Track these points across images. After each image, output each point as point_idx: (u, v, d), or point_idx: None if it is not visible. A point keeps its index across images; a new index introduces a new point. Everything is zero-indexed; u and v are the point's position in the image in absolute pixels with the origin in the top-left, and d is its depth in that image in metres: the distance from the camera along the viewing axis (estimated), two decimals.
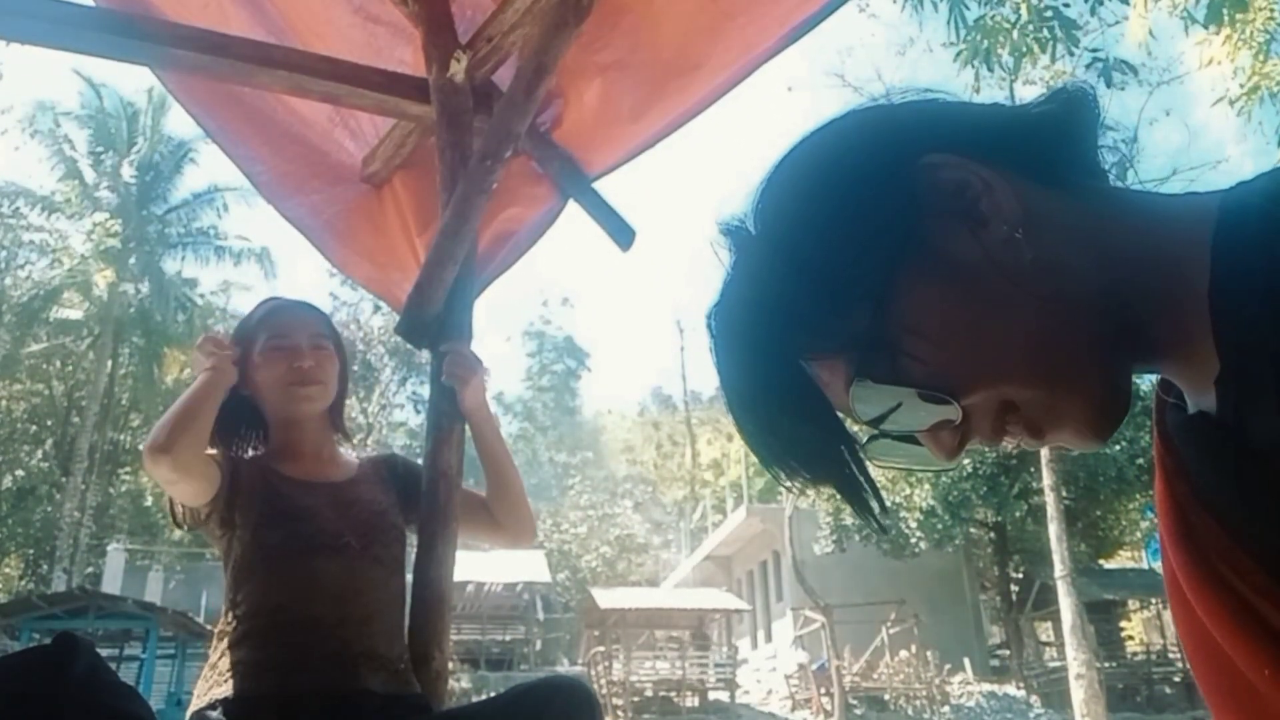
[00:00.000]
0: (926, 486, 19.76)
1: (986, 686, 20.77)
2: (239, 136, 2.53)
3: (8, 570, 25.75)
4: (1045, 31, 8.07)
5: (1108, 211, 0.59)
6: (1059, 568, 16.61)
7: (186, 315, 25.70)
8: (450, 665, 1.94)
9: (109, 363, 25.15)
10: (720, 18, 1.95)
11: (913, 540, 20.46)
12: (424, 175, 2.41)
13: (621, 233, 2.48)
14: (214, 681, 1.66)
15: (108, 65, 30.55)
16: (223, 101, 2.48)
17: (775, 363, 0.60)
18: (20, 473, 25.04)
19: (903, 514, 20.26)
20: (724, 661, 20.80)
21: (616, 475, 46.05)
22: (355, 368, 26.58)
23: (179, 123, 25.97)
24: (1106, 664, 18.26)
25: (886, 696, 19.56)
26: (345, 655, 1.67)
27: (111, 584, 22.66)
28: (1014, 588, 23.01)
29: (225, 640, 1.70)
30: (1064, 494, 17.18)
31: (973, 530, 21.81)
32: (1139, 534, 21.84)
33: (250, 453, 1.91)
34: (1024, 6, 8.11)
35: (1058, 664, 19.84)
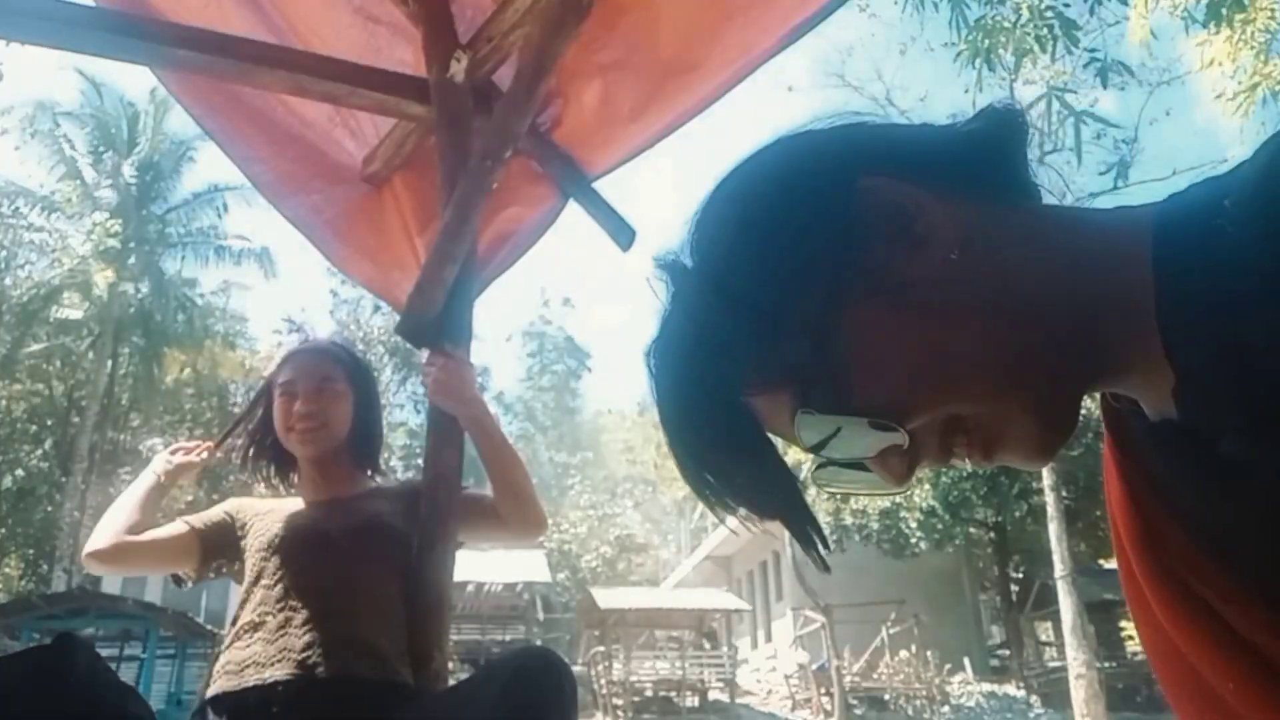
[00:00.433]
0: (926, 486, 19.76)
1: (986, 686, 20.77)
2: (239, 137, 2.53)
3: (8, 570, 25.73)
4: (1045, 31, 8.07)
5: (1043, 228, 0.58)
6: (1059, 568, 16.61)
7: (186, 315, 25.68)
8: (450, 665, 1.94)
9: (109, 363, 25.14)
10: (720, 18, 1.95)
11: (913, 540, 20.46)
12: (424, 175, 2.41)
13: (621, 232, 2.49)
14: (209, 683, 1.74)
15: (108, 65, 30.54)
16: (223, 102, 2.48)
17: (715, 401, 0.59)
18: (20, 473, 25.03)
19: (903, 514, 20.26)
20: (724, 661, 20.79)
21: (616, 475, 46.03)
22: None
23: (179, 122, 25.97)
24: (1106, 664, 18.25)
25: (886, 696, 19.55)
26: (328, 643, 1.71)
27: (111, 584, 22.62)
28: (1014, 588, 23.01)
29: (221, 645, 1.80)
30: (1064, 494, 17.17)
31: (973, 530, 21.82)
32: None
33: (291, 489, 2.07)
34: (1025, 7, 8.11)
35: (1058, 664, 19.84)
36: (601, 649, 20.11)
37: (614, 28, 2.10)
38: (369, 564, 1.83)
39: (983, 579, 24.42)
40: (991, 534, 22.48)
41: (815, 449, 0.58)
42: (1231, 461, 0.50)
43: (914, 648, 19.78)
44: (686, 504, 39.58)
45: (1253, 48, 7.98)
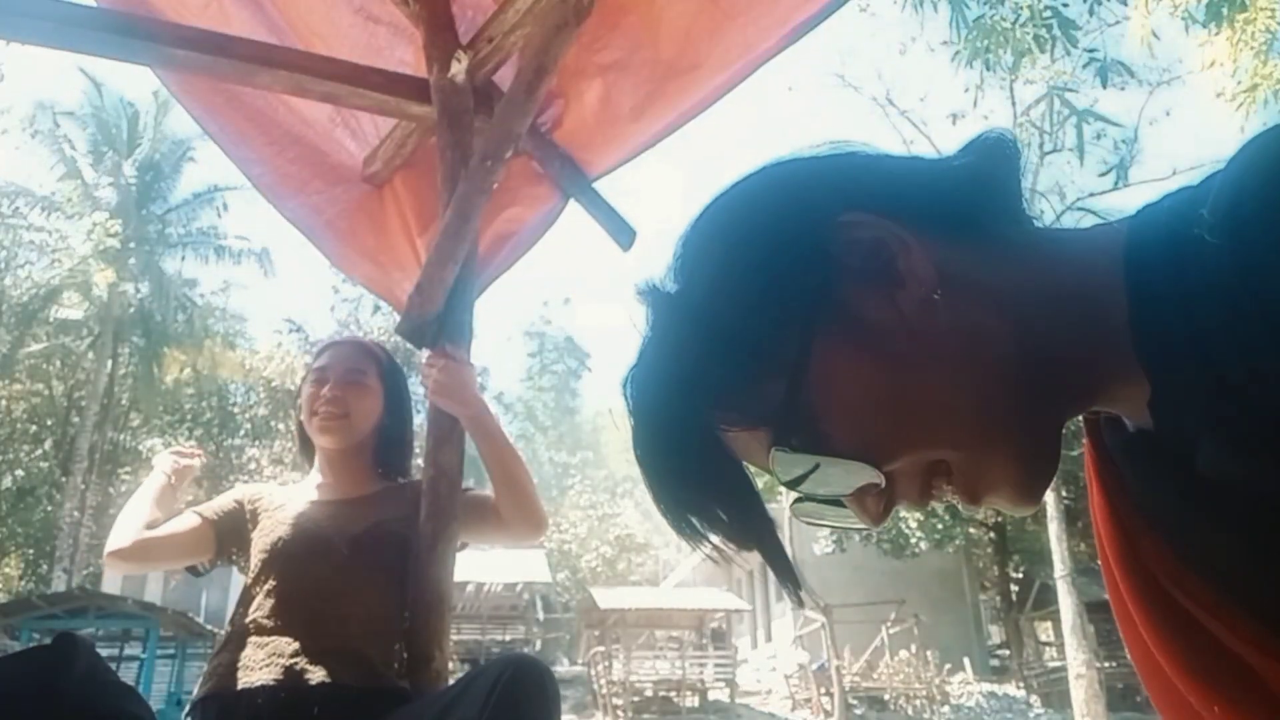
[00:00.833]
0: None
1: (986, 686, 20.78)
2: (240, 137, 2.53)
3: (8, 570, 25.74)
4: (1044, 31, 8.07)
5: (1028, 260, 0.57)
6: (1059, 567, 16.61)
7: (186, 315, 25.70)
8: (450, 665, 1.94)
9: (109, 363, 25.14)
10: (720, 18, 1.95)
11: (913, 540, 20.47)
12: (425, 175, 2.41)
13: (622, 232, 2.49)
14: (199, 685, 1.76)
15: (108, 64, 30.54)
16: (224, 102, 2.48)
17: (690, 432, 0.58)
18: (20, 473, 25.03)
19: (903, 514, 20.26)
20: (724, 661, 20.79)
21: (616, 475, 46.03)
22: None
23: (179, 122, 25.97)
24: (1106, 664, 18.24)
25: (886, 696, 19.56)
26: (315, 651, 1.71)
27: (111, 584, 22.62)
28: (1014, 587, 23.02)
29: (215, 647, 1.81)
30: (1064, 494, 17.18)
31: (973, 530, 21.82)
32: None
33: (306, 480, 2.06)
34: (1024, 6, 8.11)
35: (1058, 664, 19.84)
36: (601, 649, 20.11)
37: (614, 28, 2.10)
38: (367, 573, 1.83)
39: (983, 579, 24.43)
40: (991, 534, 22.48)
41: (791, 485, 0.58)
42: (1208, 474, 0.49)
43: (914, 648, 19.78)
44: None
45: (1253, 48, 7.98)
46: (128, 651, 17.04)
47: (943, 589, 22.82)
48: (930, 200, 0.58)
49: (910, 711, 19.26)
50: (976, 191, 0.59)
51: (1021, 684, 20.85)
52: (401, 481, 2.06)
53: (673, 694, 20.08)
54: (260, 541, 1.88)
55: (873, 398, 0.55)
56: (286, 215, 2.60)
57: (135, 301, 25.03)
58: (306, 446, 2.06)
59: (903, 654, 19.90)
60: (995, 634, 25.45)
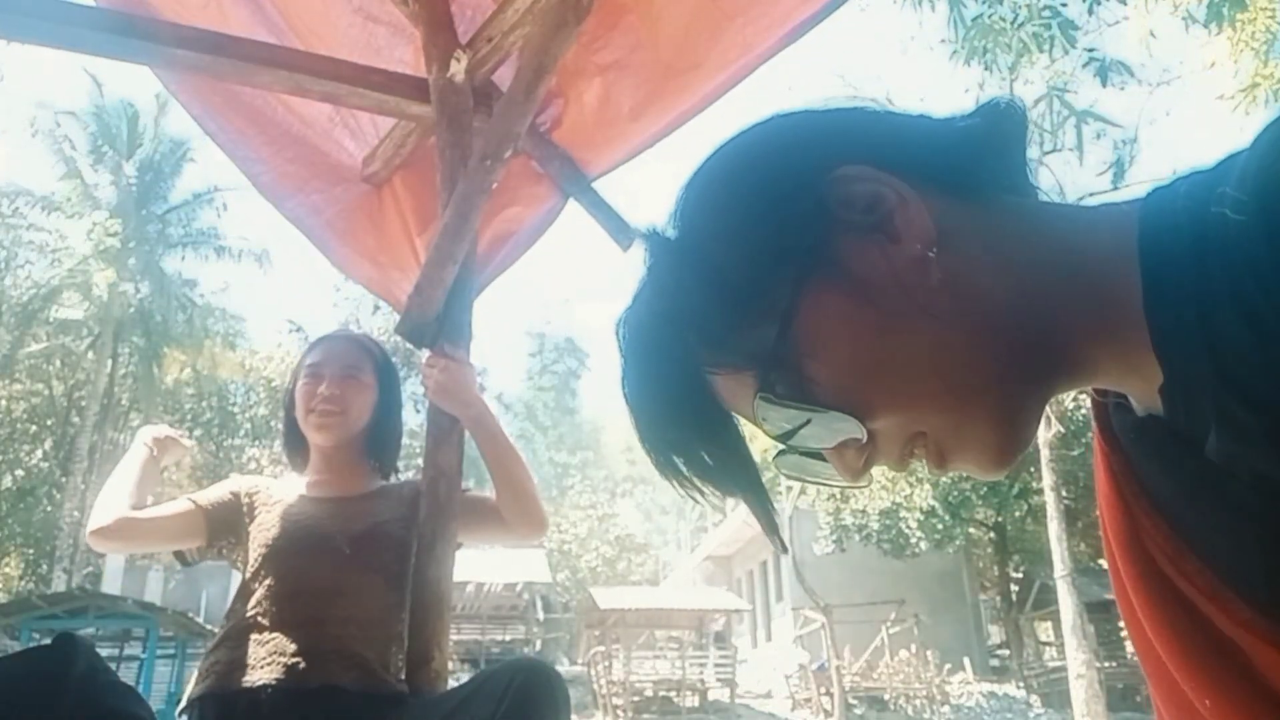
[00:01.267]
0: (927, 486, 19.76)
1: (986, 686, 20.77)
2: (240, 137, 2.53)
3: (8, 570, 25.72)
4: (1043, 30, 8.07)
5: (1031, 229, 0.57)
6: (1059, 567, 16.60)
7: (186, 315, 25.69)
8: (450, 665, 1.94)
9: (109, 363, 25.13)
10: (720, 18, 1.95)
11: (913, 540, 20.45)
12: (424, 175, 2.41)
13: (622, 232, 2.48)
14: (194, 683, 1.74)
15: (109, 64, 30.54)
16: (223, 102, 2.48)
17: (678, 373, 0.59)
18: (20, 473, 25.02)
19: (903, 514, 20.26)
20: (724, 661, 20.78)
21: (616, 475, 46.05)
22: None
23: (179, 122, 25.98)
24: (1106, 664, 18.24)
25: (886, 696, 19.55)
26: (316, 652, 1.71)
27: (111, 584, 22.64)
28: (1014, 587, 23.00)
29: (211, 643, 1.80)
30: (1064, 494, 17.17)
31: (973, 530, 21.81)
32: None
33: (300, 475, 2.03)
34: (1023, 6, 8.11)
35: (1058, 664, 19.83)
36: (601, 649, 20.10)
37: (614, 28, 2.10)
38: (367, 574, 1.82)
39: (983, 579, 24.42)
40: (991, 534, 22.47)
41: (775, 436, 0.58)
42: (1217, 461, 0.49)
43: (914, 648, 19.77)
44: (686, 504, 39.57)
45: (1254, 48, 7.98)
46: (128, 651, 17.04)
47: (943, 589, 22.81)
48: (932, 157, 0.58)
49: (910, 711, 19.25)
50: (980, 153, 0.58)
51: (1021, 684, 20.84)
52: (396, 481, 2.06)
53: (673, 694, 20.08)
54: (259, 536, 1.86)
55: (858, 351, 0.55)
56: (286, 215, 2.60)
57: (135, 301, 25.02)
58: (294, 442, 2.03)
59: (903, 654, 19.89)
60: (995, 634, 25.44)
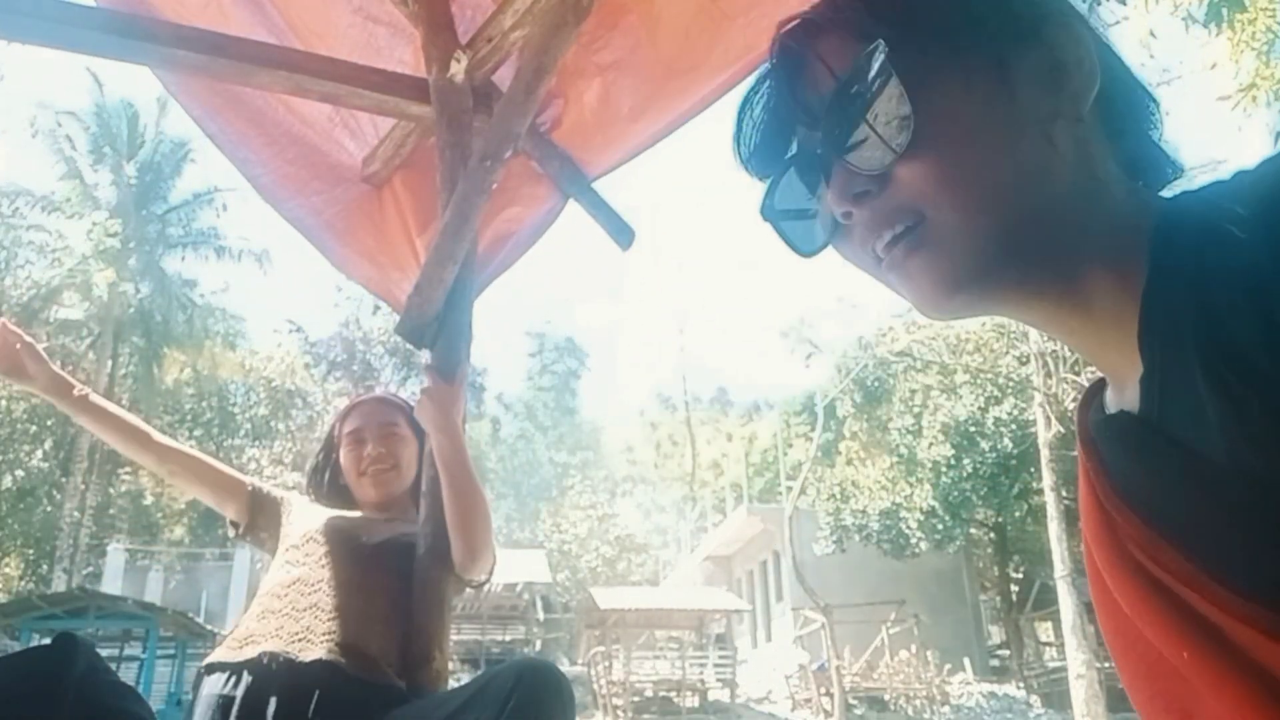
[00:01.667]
0: (927, 487, 19.78)
1: (986, 686, 20.77)
2: (239, 138, 2.53)
3: (8, 570, 25.73)
4: None
5: (1119, 180, 0.61)
6: (1059, 567, 16.62)
7: (186, 315, 25.69)
8: (450, 665, 1.94)
9: (109, 363, 25.13)
10: (719, 18, 1.95)
11: (913, 540, 20.46)
12: (424, 175, 2.41)
13: (621, 232, 2.49)
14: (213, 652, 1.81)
15: (109, 64, 30.54)
16: (223, 103, 2.48)
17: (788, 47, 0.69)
18: (20, 473, 25.01)
19: (903, 514, 20.27)
20: (724, 661, 20.79)
21: (616, 475, 46.06)
22: (355, 368, 26.59)
23: (179, 123, 26.00)
24: (1107, 664, 18.23)
25: (886, 696, 19.55)
26: (324, 633, 1.74)
27: (111, 584, 22.66)
28: (1014, 588, 23.01)
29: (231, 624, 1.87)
30: (1064, 494, 17.18)
31: (973, 530, 21.82)
32: None
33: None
34: None
35: (1058, 664, 19.85)
36: (601, 649, 20.10)
37: (614, 28, 2.10)
38: (384, 574, 1.88)
39: (983, 579, 24.42)
40: (991, 534, 22.48)
41: (823, 125, 0.62)
42: (1189, 453, 0.51)
43: (914, 648, 19.78)
44: (686, 504, 39.62)
45: (1254, 48, 7.98)
46: (128, 651, 17.05)
47: (943, 589, 22.81)
48: (1117, 85, 0.62)
49: (910, 712, 19.25)
50: (1138, 112, 0.63)
51: (1021, 684, 20.84)
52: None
53: (673, 694, 20.08)
54: (292, 532, 1.98)
55: (975, 112, 0.58)
56: (286, 216, 2.60)
57: (135, 301, 25.03)
58: (339, 501, 2.14)
59: (903, 654, 19.89)
60: (995, 634, 25.44)
